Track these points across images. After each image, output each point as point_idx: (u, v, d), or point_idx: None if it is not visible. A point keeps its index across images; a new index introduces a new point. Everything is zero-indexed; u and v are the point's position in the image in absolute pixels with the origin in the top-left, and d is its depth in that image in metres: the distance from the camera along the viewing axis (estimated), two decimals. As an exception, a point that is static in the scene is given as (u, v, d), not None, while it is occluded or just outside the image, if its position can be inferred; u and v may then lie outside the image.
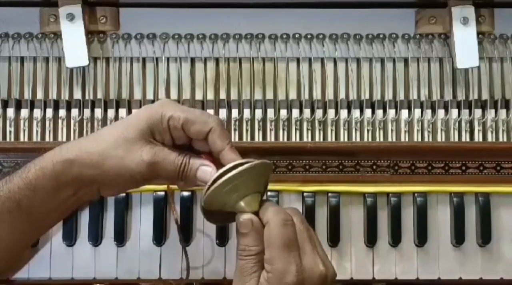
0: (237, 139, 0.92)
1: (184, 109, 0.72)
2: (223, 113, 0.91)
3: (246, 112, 0.92)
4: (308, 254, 0.67)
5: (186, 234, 0.88)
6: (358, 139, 0.92)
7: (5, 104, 0.92)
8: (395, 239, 0.88)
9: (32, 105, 0.92)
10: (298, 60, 0.94)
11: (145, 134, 0.70)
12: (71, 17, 0.90)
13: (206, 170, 0.70)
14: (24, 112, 0.92)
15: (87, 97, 0.92)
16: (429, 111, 0.92)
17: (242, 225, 0.67)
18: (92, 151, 0.70)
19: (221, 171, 0.67)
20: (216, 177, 0.67)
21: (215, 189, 0.66)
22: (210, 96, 0.93)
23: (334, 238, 0.89)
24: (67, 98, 0.93)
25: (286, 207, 0.70)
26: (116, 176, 0.70)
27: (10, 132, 0.92)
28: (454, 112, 0.92)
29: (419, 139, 0.92)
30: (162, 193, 0.88)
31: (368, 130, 0.92)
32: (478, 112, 0.92)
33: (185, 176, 0.70)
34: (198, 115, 0.70)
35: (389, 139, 0.92)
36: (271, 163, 0.70)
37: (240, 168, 0.66)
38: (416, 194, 0.89)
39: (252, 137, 0.92)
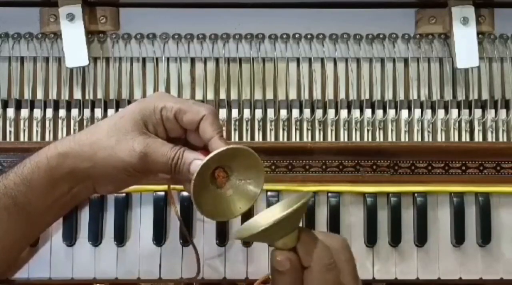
0: (237, 139, 0.92)
1: (177, 100, 0.72)
2: (223, 113, 0.91)
3: (246, 112, 0.92)
4: None
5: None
6: (358, 139, 0.92)
7: (5, 104, 0.92)
8: (395, 239, 0.88)
9: (32, 105, 0.92)
10: (298, 60, 0.94)
11: (138, 125, 0.69)
12: (71, 17, 0.90)
13: (200, 164, 0.67)
14: (24, 112, 0.92)
15: (87, 97, 0.92)
16: (429, 111, 0.92)
17: (280, 264, 0.63)
18: (85, 143, 0.70)
19: (206, 159, 0.65)
20: (200, 168, 0.65)
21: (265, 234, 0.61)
22: (210, 96, 0.93)
23: (334, 238, 0.88)
24: (67, 98, 0.93)
25: (327, 235, 0.66)
26: (109, 168, 0.69)
27: (10, 132, 0.92)
28: (454, 112, 0.92)
29: (419, 139, 0.92)
30: (162, 193, 0.88)
31: (368, 130, 0.92)
32: (478, 112, 0.92)
33: (178, 170, 0.69)
34: (191, 105, 0.70)
35: (389, 139, 0.92)
36: (310, 197, 0.64)
37: (277, 218, 0.60)
38: (416, 194, 0.89)
39: (252, 137, 0.92)
